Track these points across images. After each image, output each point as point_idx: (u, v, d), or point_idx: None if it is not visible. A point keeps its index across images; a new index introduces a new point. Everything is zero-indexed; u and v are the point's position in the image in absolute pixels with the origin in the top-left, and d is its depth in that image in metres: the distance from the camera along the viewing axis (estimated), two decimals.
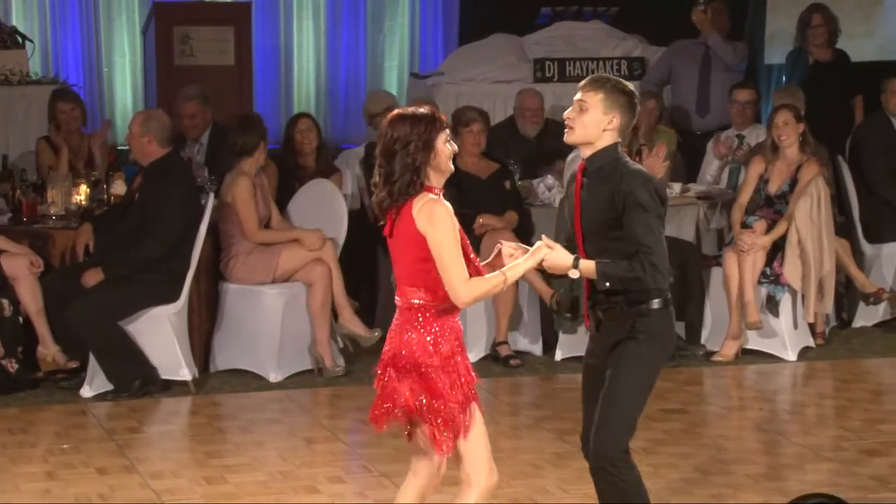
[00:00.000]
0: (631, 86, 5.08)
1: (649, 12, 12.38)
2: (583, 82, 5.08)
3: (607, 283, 4.93)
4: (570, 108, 5.06)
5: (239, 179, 8.45)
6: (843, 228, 9.66)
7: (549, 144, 10.30)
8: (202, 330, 8.58)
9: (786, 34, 11.74)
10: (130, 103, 12.93)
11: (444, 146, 4.76)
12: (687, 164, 10.39)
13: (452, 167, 4.82)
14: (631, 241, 4.90)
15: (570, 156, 9.07)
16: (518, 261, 4.86)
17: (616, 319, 5.03)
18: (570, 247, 5.06)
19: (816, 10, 10.89)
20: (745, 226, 9.00)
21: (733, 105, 10.25)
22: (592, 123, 4.99)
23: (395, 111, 4.81)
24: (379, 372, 4.88)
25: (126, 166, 9.27)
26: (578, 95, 5.04)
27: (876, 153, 9.88)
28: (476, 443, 4.84)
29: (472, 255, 4.81)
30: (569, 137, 5.05)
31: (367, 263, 9.45)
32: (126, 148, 9.51)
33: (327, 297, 8.47)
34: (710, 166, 10.11)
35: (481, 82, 11.51)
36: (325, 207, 8.85)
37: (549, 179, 9.53)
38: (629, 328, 5.00)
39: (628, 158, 5.05)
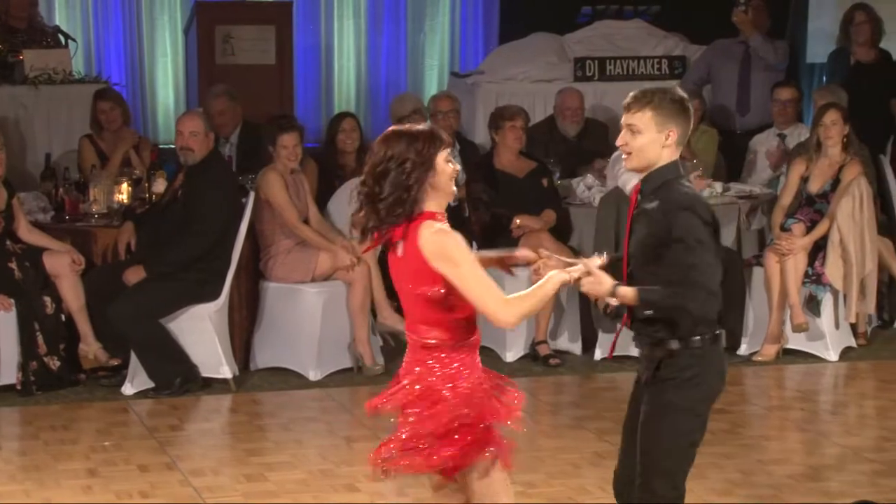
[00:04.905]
0: (678, 90, 4.80)
1: (690, 11, 12.35)
2: (626, 102, 4.72)
3: (647, 312, 4.61)
4: (622, 134, 4.71)
5: (266, 175, 8.49)
6: (886, 227, 9.61)
7: (588, 144, 10.29)
8: (243, 328, 8.62)
9: (828, 33, 11.69)
10: (172, 102, 12.99)
11: (446, 165, 4.40)
12: (728, 164, 10.36)
13: (455, 189, 4.47)
14: (675, 271, 4.55)
15: (615, 154, 9.04)
16: (553, 272, 4.49)
17: (644, 351, 4.73)
18: (616, 266, 4.76)
19: (860, 8, 10.84)
20: (783, 228, 8.94)
21: (775, 104, 10.20)
22: (649, 145, 4.66)
23: (392, 128, 4.45)
24: (399, 416, 4.54)
25: (167, 164, 9.31)
26: (625, 119, 4.70)
27: None
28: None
29: None
30: (628, 164, 4.73)
31: None
32: (168, 146, 9.55)
33: (367, 295, 8.48)
34: (762, 174, 10.07)
35: (521, 81, 11.50)
36: None
37: (589, 178, 9.52)
38: (654, 370, 4.68)
39: (683, 180, 4.68)
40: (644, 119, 4.65)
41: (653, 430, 4.67)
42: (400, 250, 4.41)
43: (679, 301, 4.53)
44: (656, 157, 4.66)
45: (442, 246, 4.33)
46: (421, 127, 4.45)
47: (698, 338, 4.61)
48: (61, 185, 9.10)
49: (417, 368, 4.49)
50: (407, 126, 4.46)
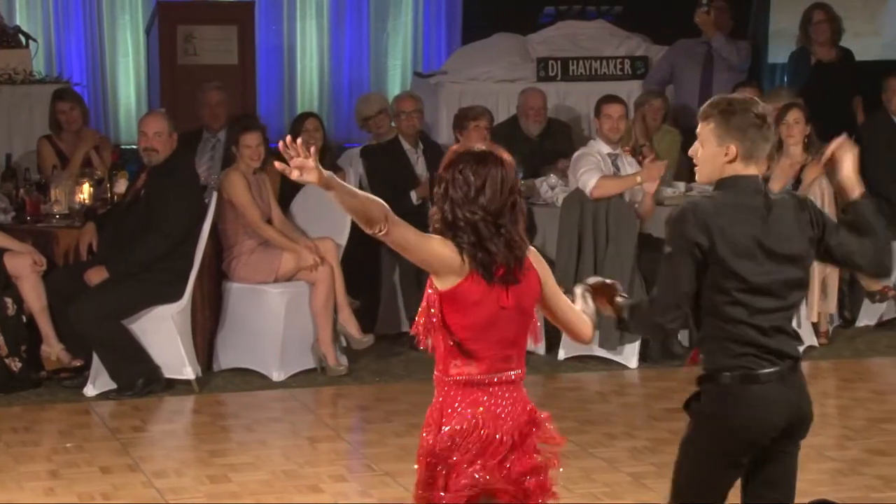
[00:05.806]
0: (754, 103, 4.42)
1: (653, 11, 12.38)
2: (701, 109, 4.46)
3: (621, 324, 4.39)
4: (694, 144, 4.48)
5: (229, 175, 8.49)
6: None
7: (551, 144, 10.31)
8: (205, 329, 8.58)
9: (789, 34, 11.74)
10: (134, 102, 12.94)
11: None
12: (690, 164, 10.38)
13: None
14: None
15: (575, 154, 9.05)
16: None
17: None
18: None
19: (818, 7, 10.89)
20: None
21: None
22: (709, 159, 4.36)
23: (495, 150, 4.25)
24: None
25: (129, 165, 9.28)
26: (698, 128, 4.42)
27: (879, 152, 9.87)
28: None
29: None
30: (696, 177, 4.49)
31: (370, 263, 9.46)
32: (130, 147, 9.52)
33: (330, 296, 8.47)
34: None
35: (484, 81, 11.51)
36: (328, 207, 8.79)
37: (552, 178, 9.53)
38: (687, 400, 4.40)
39: (727, 193, 4.34)
40: (706, 130, 4.39)
41: (675, 464, 4.43)
42: (525, 280, 4.16)
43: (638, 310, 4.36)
44: (718, 172, 4.35)
45: (535, 254, 4.24)
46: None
47: (727, 374, 4.24)
48: (22, 186, 9.06)
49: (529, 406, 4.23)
50: (499, 149, 4.28)
